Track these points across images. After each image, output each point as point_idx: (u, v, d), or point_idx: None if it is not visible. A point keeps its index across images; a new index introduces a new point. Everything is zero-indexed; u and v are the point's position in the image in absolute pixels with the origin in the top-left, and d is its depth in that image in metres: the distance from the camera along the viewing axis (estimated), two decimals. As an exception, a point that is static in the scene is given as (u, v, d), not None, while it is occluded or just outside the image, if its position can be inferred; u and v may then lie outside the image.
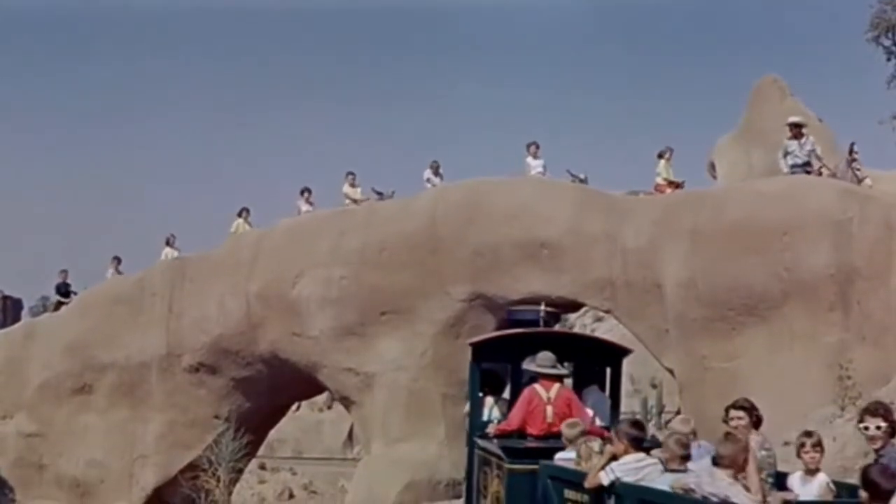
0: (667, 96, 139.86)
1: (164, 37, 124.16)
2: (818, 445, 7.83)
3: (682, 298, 17.11)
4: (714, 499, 6.59)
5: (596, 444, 8.75)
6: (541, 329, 13.34)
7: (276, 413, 23.97)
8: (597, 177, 21.97)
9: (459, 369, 18.93)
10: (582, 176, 21.66)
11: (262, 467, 36.52)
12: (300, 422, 44.85)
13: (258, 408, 22.08)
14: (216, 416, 21.73)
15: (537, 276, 18.78)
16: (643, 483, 7.58)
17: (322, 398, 39.52)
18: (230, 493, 21.66)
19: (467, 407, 12.12)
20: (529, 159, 21.63)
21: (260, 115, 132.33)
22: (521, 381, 11.40)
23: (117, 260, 25.18)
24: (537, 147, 21.72)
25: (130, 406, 22.03)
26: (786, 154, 18.59)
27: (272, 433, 26.93)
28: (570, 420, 10.00)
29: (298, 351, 20.45)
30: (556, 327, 17.27)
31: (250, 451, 22.13)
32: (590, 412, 11.01)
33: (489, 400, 11.78)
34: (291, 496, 36.42)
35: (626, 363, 11.97)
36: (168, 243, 24.86)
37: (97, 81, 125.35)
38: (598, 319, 33.15)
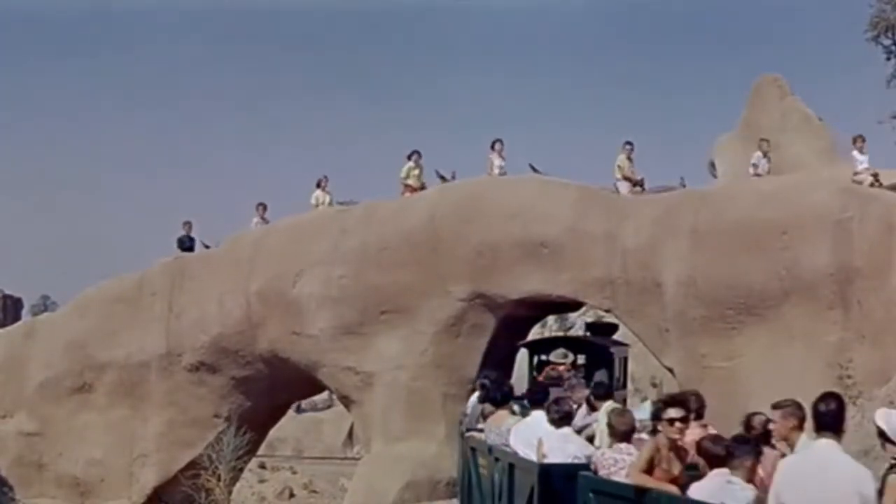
0: (667, 95, 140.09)
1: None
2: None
3: (682, 297, 17.10)
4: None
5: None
6: (567, 335, 22.84)
7: (276, 412, 23.97)
8: (596, 175, 21.94)
9: (459, 368, 19.01)
10: None
11: (263, 466, 36.57)
12: (300, 421, 44.92)
13: (258, 407, 22.07)
14: (216, 415, 21.73)
15: (537, 275, 18.76)
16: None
17: (321, 397, 39.53)
18: (230, 492, 21.66)
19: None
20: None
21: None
22: None
23: (263, 207, 23.22)
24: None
25: (130, 405, 22.01)
26: None
27: (272, 432, 26.93)
28: None
29: (298, 350, 20.44)
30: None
31: (250, 449, 22.12)
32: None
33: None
34: (292, 495, 36.43)
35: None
36: (319, 186, 22.91)
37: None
38: (599, 318, 33.12)
